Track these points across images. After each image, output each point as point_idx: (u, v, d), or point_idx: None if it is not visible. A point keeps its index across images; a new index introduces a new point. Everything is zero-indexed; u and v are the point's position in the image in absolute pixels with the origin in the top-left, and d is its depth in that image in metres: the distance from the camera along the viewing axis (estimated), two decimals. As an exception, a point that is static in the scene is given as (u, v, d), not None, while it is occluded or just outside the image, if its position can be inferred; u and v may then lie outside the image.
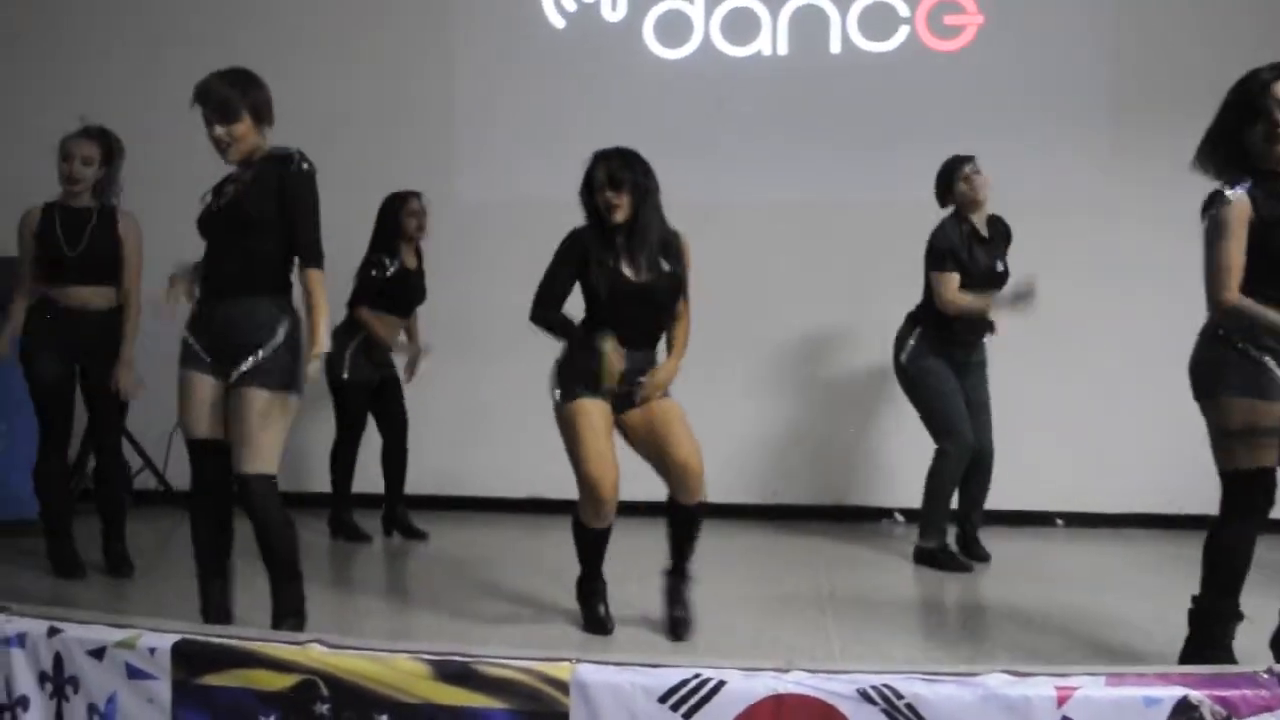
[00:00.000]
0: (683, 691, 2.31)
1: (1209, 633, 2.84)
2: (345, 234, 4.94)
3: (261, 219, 2.99)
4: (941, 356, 4.27)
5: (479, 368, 5.20)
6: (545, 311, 3.33)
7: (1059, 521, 4.95)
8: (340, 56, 5.30)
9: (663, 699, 2.31)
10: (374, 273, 4.58)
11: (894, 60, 5.11)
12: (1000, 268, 4.26)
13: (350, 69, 5.28)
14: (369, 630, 3.33)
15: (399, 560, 4.48)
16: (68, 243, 3.92)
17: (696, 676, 2.32)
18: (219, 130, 3.00)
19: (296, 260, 3.04)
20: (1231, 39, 4.83)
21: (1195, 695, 2.23)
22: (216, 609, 3.15)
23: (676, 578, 3.47)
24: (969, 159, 4.26)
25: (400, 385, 4.80)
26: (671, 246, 3.36)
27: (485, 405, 5.21)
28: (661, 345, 3.47)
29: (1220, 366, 2.77)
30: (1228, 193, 2.75)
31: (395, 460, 4.77)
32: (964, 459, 4.24)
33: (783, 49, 5.18)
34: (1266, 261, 2.74)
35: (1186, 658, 2.86)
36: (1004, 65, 5.03)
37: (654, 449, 3.34)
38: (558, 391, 3.33)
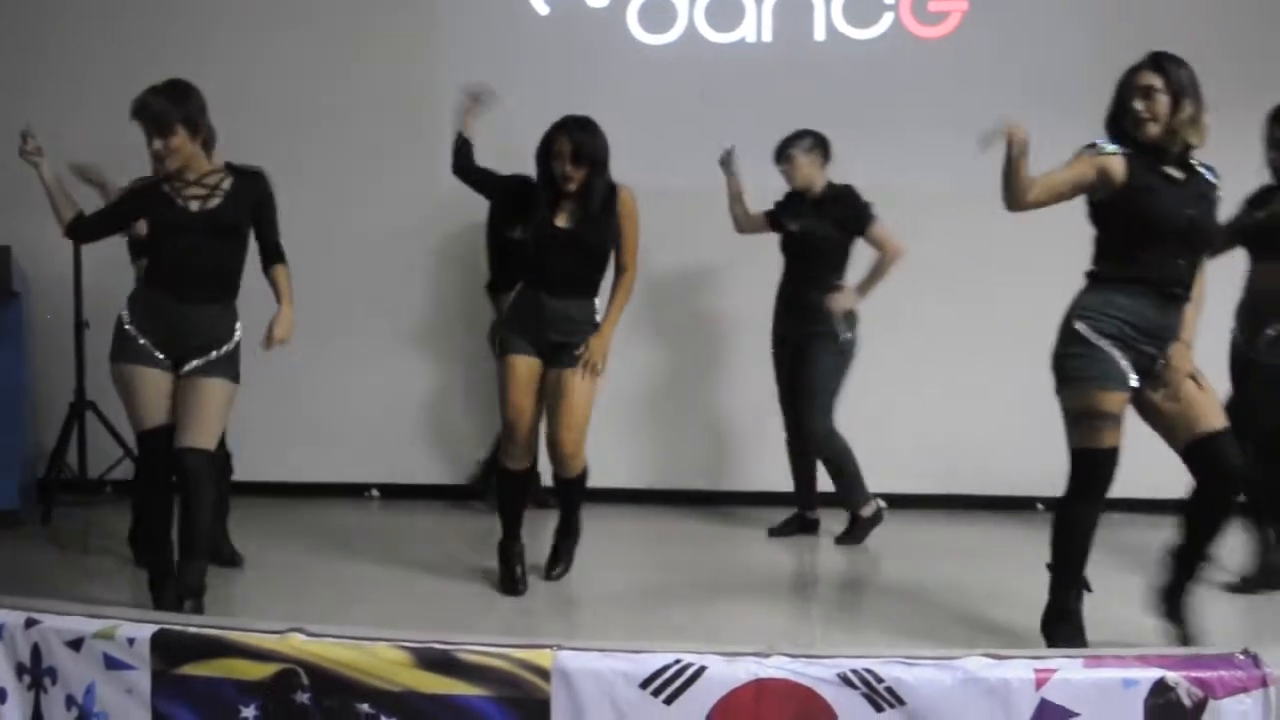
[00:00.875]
0: (664, 677, 2.32)
1: (1061, 602, 3.03)
2: (327, 222, 5.01)
3: (242, 228, 3.31)
4: (777, 332, 4.45)
5: (463, 355, 5.19)
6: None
7: (1039, 506, 4.96)
8: (321, 44, 5.24)
9: (644, 685, 2.32)
10: None
11: (878, 47, 5.08)
12: (795, 229, 4.38)
13: (331, 57, 5.23)
14: (352, 618, 3.32)
15: (376, 548, 4.43)
16: None
17: (678, 662, 2.32)
18: (157, 144, 3.18)
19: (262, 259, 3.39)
20: (1219, 26, 4.84)
21: (1172, 676, 2.25)
22: (168, 594, 3.24)
23: (561, 533, 3.86)
24: (792, 139, 4.37)
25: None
26: (610, 203, 3.60)
27: (468, 394, 5.20)
28: (600, 302, 3.71)
29: (1068, 357, 2.96)
30: (1102, 142, 2.93)
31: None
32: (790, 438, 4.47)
33: (767, 36, 5.14)
34: (1126, 227, 2.91)
35: (1045, 624, 3.05)
36: (988, 52, 5.01)
37: (548, 413, 3.68)
38: (497, 344, 3.75)
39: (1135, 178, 2.88)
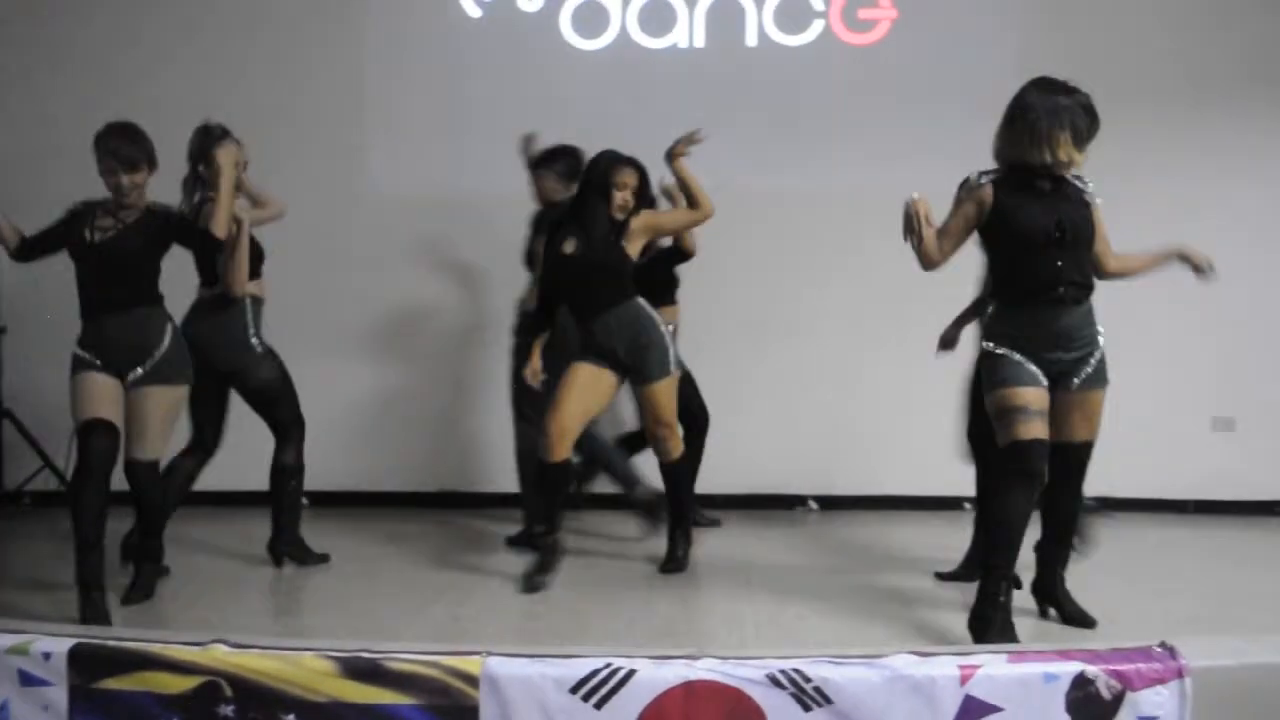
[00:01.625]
0: (593, 682, 2.32)
1: (991, 598, 3.09)
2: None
3: (137, 260, 3.41)
4: None
5: (385, 361, 5.14)
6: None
7: (966, 505, 5.05)
8: (247, 44, 5.16)
9: (574, 690, 2.32)
10: None
11: (809, 53, 5.14)
12: None
13: (258, 57, 5.15)
14: (278, 630, 3.27)
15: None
16: None
17: (607, 666, 2.33)
18: (125, 179, 3.35)
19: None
20: (1143, 32, 4.97)
21: (1091, 670, 2.31)
22: (94, 603, 3.23)
23: (672, 522, 4.06)
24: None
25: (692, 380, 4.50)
26: (621, 230, 3.79)
27: (391, 399, 5.14)
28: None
29: (981, 369, 3.24)
30: (972, 177, 3.18)
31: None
32: None
33: (699, 41, 5.19)
34: (1003, 244, 3.15)
35: (973, 621, 3.12)
36: (917, 59, 5.09)
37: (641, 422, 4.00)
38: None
39: (1001, 198, 3.11)
